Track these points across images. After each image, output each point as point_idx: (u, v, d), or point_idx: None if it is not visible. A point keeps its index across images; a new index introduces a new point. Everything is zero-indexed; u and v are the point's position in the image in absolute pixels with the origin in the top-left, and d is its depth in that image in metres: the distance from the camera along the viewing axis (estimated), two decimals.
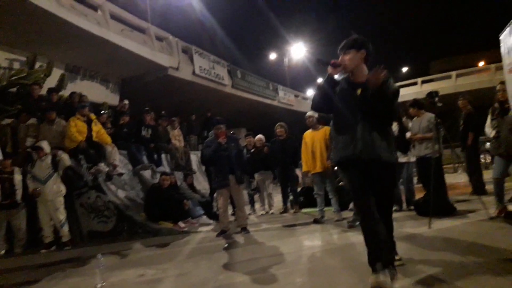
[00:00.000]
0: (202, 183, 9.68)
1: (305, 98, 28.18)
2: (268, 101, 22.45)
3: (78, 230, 6.81)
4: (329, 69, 2.89)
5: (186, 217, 7.01)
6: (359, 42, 2.89)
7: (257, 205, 8.31)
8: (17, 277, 4.61)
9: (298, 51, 31.56)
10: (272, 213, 7.81)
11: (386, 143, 2.79)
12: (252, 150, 8.15)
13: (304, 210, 7.70)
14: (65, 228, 6.20)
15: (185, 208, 6.97)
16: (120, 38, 11.53)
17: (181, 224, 6.73)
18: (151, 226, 6.50)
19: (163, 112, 11.01)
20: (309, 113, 6.23)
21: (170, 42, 14.62)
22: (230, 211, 6.99)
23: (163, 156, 9.26)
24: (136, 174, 8.04)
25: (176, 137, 10.31)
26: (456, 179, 10.32)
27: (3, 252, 6.25)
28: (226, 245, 5.10)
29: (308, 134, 6.31)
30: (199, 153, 10.50)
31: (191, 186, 8.23)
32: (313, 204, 6.78)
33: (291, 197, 8.01)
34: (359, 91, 2.83)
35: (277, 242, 4.91)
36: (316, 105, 3.05)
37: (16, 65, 9.86)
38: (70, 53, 10.92)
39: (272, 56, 33.24)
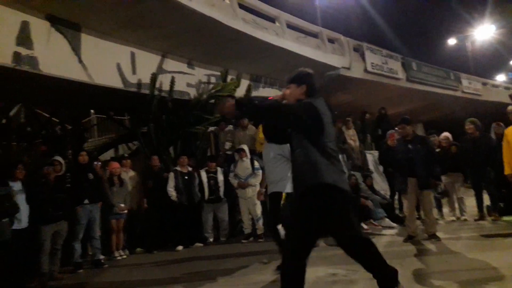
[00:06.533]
0: (380, 184, 9.49)
1: (495, 86, 24.40)
2: (450, 92, 20.30)
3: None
4: None
5: (367, 218, 7.02)
6: (299, 77, 2.93)
7: (445, 210, 7.69)
8: (225, 263, 5.44)
9: (484, 32, 27.48)
10: (464, 220, 7.12)
11: None
12: (438, 150, 7.58)
13: (505, 218, 6.77)
14: (260, 222, 7.00)
15: (366, 209, 7.00)
16: (296, 45, 12.21)
17: (363, 225, 6.78)
18: None
19: (335, 112, 11.21)
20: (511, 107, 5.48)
21: (342, 42, 14.69)
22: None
23: (340, 156, 9.45)
24: None
25: (351, 136, 10.38)
26: None
27: (211, 239, 7.45)
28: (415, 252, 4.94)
29: (510, 130, 5.54)
30: (374, 153, 10.36)
31: (371, 188, 8.17)
32: None
33: (487, 203, 7.14)
34: None
35: (477, 255, 4.49)
36: None
37: (212, 79, 11.50)
38: (253, 64, 12.10)
39: (451, 41, 29.81)
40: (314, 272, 4.30)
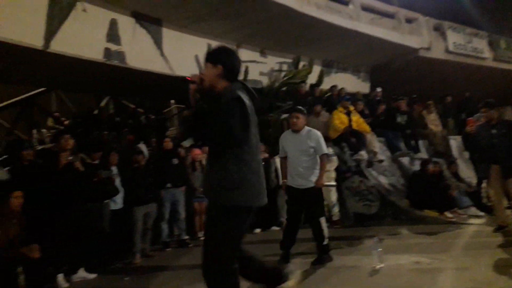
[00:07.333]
0: (465, 171, 8.90)
1: None
2: None
3: (345, 211, 7.52)
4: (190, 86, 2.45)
5: (452, 207, 6.67)
6: (215, 55, 2.52)
7: None
8: (301, 247, 5.42)
9: None
10: None
11: None
12: None
13: None
14: (336, 209, 6.99)
15: (451, 197, 6.66)
16: (371, 27, 11.79)
17: (448, 214, 6.46)
18: (416, 213, 6.53)
19: (414, 96, 10.66)
20: None
21: (420, 22, 13.88)
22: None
23: (420, 142, 9.04)
24: (395, 160, 8.18)
25: (433, 121, 9.84)
26: None
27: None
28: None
29: None
30: (458, 138, 9.72)
31: (455, 175, 7.73)
32: None
33: None
34: None
35: None
36: None
37: (284, 67, 11.55)
38: (326, 50, 11.94)
39: None
40: (396, 260, 4.22)
